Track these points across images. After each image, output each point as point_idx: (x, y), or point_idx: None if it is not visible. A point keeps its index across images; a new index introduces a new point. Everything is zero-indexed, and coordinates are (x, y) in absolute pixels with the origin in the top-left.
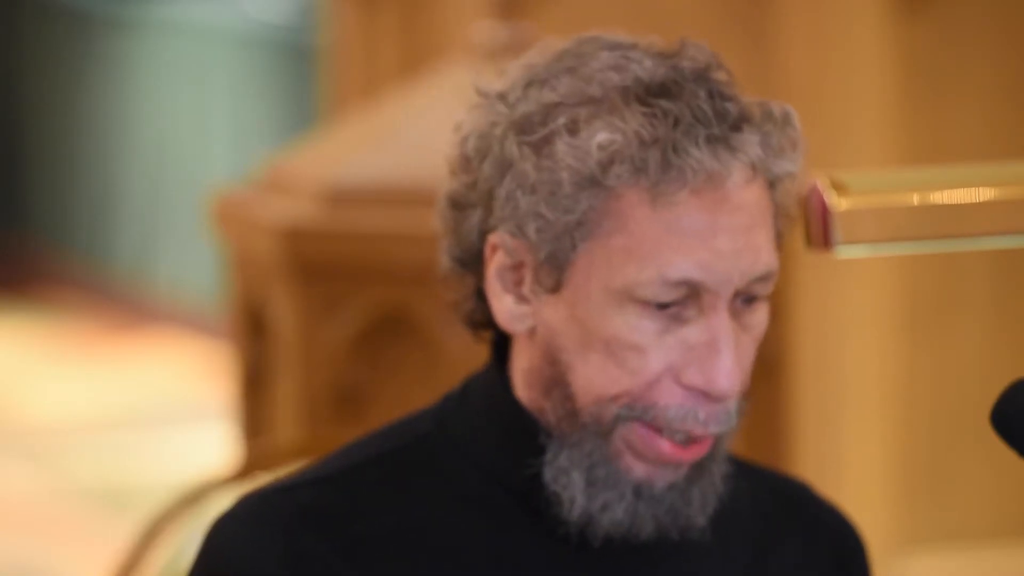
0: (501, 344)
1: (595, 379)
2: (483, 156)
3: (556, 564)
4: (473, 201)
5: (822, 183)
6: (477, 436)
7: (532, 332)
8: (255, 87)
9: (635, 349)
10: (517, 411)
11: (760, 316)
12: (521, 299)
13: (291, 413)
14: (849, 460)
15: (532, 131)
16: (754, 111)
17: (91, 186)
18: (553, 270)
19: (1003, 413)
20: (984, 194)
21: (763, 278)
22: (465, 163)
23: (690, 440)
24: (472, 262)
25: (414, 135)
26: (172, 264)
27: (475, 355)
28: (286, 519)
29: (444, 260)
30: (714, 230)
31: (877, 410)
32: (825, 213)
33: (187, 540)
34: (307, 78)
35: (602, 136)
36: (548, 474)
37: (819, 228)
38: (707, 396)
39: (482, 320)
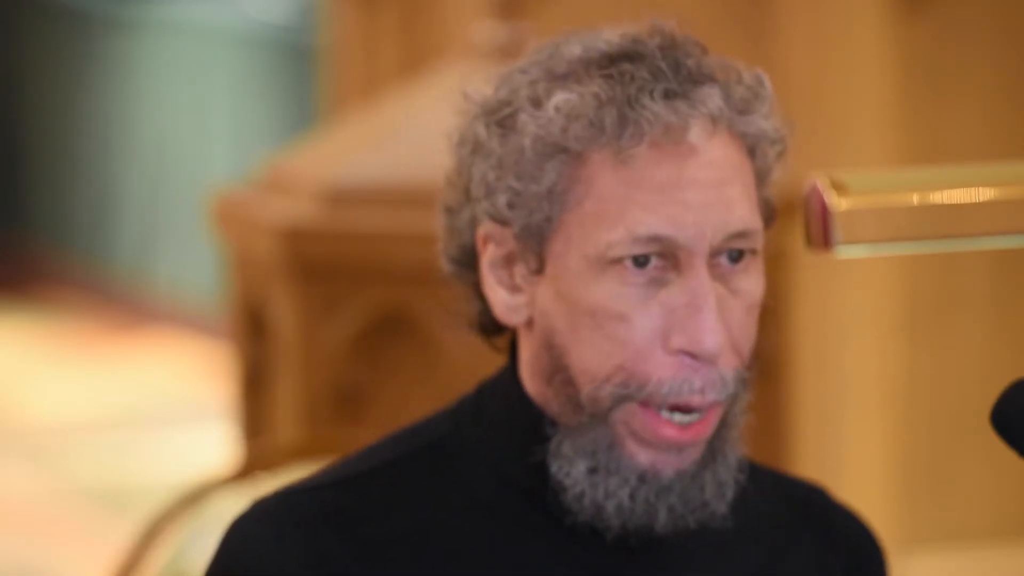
0: (516, 348)
1: (588, 358)
2: (463, 151)
3: (572, 568)
4: (462, 200)
5: (822, 183)
6: (491, 437)
7: (530, 323)
8: (255, 87)
9: (620, 318)
10: (527, 406)
11: (751, 282)
12: (514, 289)
13: (291, 413)
14: (849, 460)
15: (499, 111)
16: (716, 69)
17: (91, 186)
18: (534, 247)
19: (1003, 413)
20: (984, 194)
21: (741, 234)
22: (456, 168)
23: (690, 412)
24: (469, 262)
25: (414, 135)
26: (172, 264)
27: (475, 355)
28: (308, 520)
29: (445, 264)
30: (680, 184)
31: (877, 410)
32: (825, 213)
33: (187, 540)
34: (307, 78)
35: (559, 98)
36: (553, 465)
37: (819, 228)
38: (696, 359)
39: (490, 323)
